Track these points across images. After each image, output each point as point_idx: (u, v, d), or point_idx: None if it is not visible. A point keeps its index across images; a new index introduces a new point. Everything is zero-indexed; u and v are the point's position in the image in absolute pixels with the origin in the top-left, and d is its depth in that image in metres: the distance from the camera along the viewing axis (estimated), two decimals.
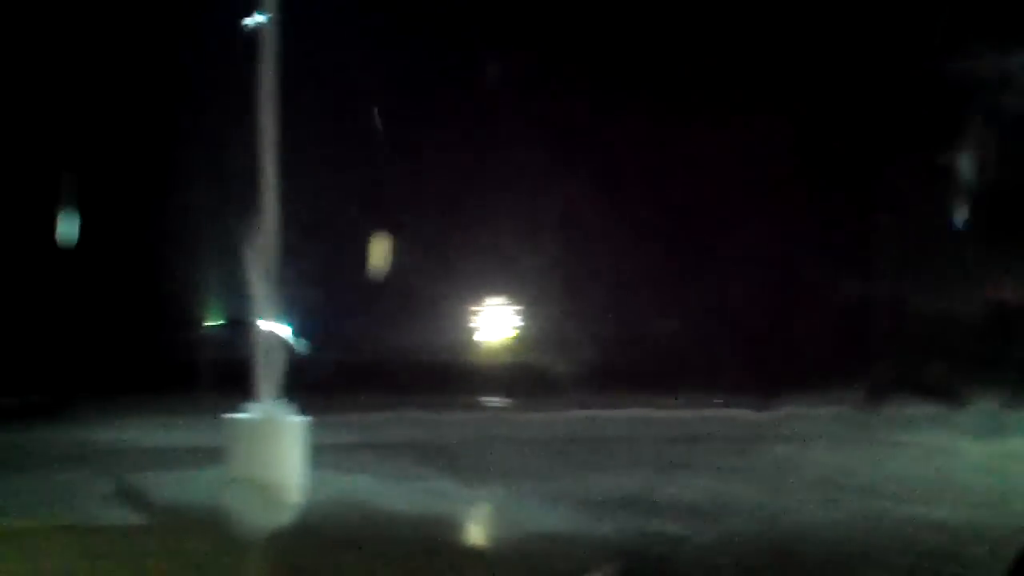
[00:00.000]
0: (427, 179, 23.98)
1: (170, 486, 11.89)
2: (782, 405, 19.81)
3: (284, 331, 12.93)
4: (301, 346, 13.69)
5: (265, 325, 12.42)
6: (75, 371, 20.86)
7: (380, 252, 19.87)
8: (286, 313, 13.63)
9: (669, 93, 24.19)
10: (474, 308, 26.22)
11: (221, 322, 24.00)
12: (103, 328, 22.21)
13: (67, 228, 22.28)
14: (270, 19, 12.38)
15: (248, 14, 12.54)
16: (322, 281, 21.75)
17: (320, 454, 12.79)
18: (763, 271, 24.53)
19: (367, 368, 22.30)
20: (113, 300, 22.51)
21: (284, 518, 11.08)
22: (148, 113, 22.20)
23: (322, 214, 21.38)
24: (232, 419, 12.13)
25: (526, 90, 23.76)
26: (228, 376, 19.08)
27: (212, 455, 12.72)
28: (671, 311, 25.06)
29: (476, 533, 10.63)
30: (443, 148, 23.88)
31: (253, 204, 12.55)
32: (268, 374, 12.24)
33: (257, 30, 12.34)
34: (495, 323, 26.55)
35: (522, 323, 26.28)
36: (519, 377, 24.07)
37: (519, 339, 26.51)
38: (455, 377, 23.62)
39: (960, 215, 22.94)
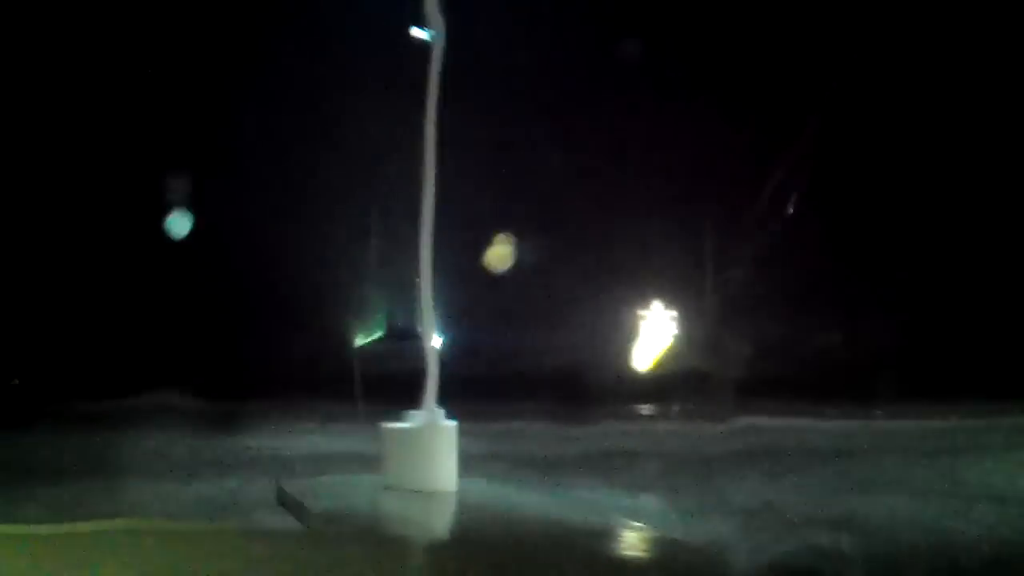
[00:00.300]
0: (584, 190, 24.00)
1: (329, 492, 12.09)
2: (936, 416, 19.29)
3: (439, 341, 13.09)
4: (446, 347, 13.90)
5: (425, 337, 12.59)
6: (248, 379, 21.60)
7: (500, 254, 19.99)
8: (444, 325, 13.80)
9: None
10: (632, 317, 26.10)
11: (380, 334, 24.49)
12: (272, 339, 22.93)
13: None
14: (435, 36, 12.56)
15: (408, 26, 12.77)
16: (479, 292, 21.99)
17: (474, 463, 12.90)
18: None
19: (521, 377, 22.40)
20: (280, 313, 23.21)
21: (439, 525, 11.18)
22: (315, 135, 22.82)
23: (482, 227, 21.62)
24: (390, 427, 12.33)
25: (685, 104, 23.66)
26: (386, 385, 19.49)
27: (370, 461, 12.95)
28: (831, 323, 24.64)
29: (629, 544, 10.52)
30: (603, 158, 23.89)
31: (413, 221, 12.73)
32: (430, 383, 12.40)
33: (424, 45, 12.55)
34: (653, 331, 26.34)
35: (679, 331, 26.05)
36: (675, 386, 23.84)
37: (676, 347, 26.27)
38: (610, 385, 23.54)
39: None
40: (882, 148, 24.35)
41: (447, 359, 13.00)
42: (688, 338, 25.74)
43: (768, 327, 24.15)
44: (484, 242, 22.27)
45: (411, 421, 12.20)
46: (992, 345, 23.21)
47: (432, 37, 12.50)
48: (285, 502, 11.67)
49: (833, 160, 24.00)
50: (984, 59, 23.00)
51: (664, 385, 24.03)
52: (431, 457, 12.04)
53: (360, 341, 24.11)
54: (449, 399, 12.70)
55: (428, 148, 12.60)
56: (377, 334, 24.29)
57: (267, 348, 23.10)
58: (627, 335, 25.85)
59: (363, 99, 20.80)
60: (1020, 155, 23.28)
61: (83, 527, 10.06)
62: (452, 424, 12.18)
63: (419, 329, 12.67)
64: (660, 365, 25.58)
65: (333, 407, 20.42)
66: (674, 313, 25.76)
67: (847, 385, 21.93)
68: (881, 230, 24.61)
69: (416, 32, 12.62)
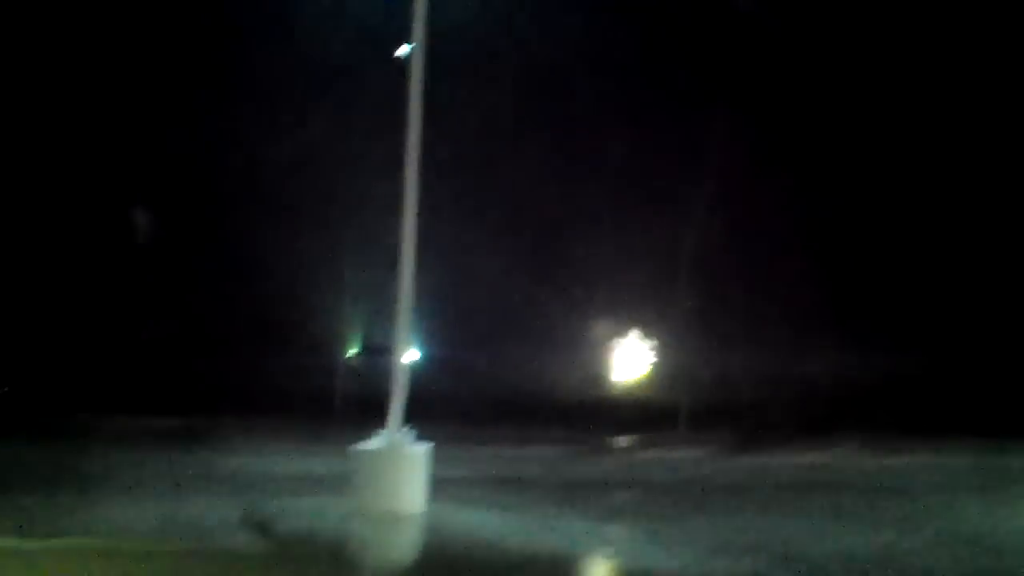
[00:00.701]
0: (560, 215, 23.98)
1: (296, 514, 11.96)
2: (909, 453, 19.30)
3: (415, 357, 12.97)
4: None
5: (398, 355, 12.47)
6: (211, 397, 21.39)
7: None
8: (420, 343, 13.66)
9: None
10: (609, 343, 26.01)
11: (355, 351, 24.35)
12: (239, 355, 22.74)
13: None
14: (413, 49, 12.52)
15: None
16: (457, 312, 21.92)
17: (446, 486, 12.76)
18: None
19: (498, 400, 22.26)
20: (249, 328, 23.06)
21: (407, 550, 11.05)
22: (291, 148, 22.75)
23: (459, 248, 21.51)
24: (359, 449, 12.19)
25: (660, 139, 23.75)
26: (358, 404, 19.34)
27: (339, 483, 12.79)
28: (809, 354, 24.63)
29: (591, 573, 10.42)
30: (577, 185, 23.89)
31: (392, 235, 12.65)
32: (397, 404, 12.27)
33: (405, 64, 12.51)
34: (630, 359, 26.25)
35: (656, 359, 25.95)
36: (651, 415, 23.73)
37: (653, 376, 26.18)
38: (586, 413, 23.42)
39: None
40: (869, 180, 24.41)
41: (423, 378, 12.90)
42: (666, 367, 25.67)
43: (750, 357, 24.09)
44: (466, 264, 22.23)
45: (377, 442, 12.08)
46: (984, 381, 23.16)
47: (410, 51, 12.46)
48: (252, 522, 11.53)
49: (818, 190, 24.02)
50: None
51: (641, 413, 23.94)
52: (398, 480, 11.91)
53: (339, 357, 24.00)
54: (426, 419, 12.60)
55: (410, 164, 12.55)
56: (354, 350, 24.17)
57: (241, 365, 22.91)
58: (606, 363, 25.79)
59: (343, 113, 20.77)
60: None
61: (35, 544, 9.88)
62: (420, 446, 12.05)
63: (388, 347, 12.59)
64: (637, 393, 25.50)
65: (309, 425, 20.28)
66: (652, 342, 25.71)
67: (830, 417, 21.89)
68: (866, 261, 24.64)
69: (400, 51, 12.59)
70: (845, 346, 23.66)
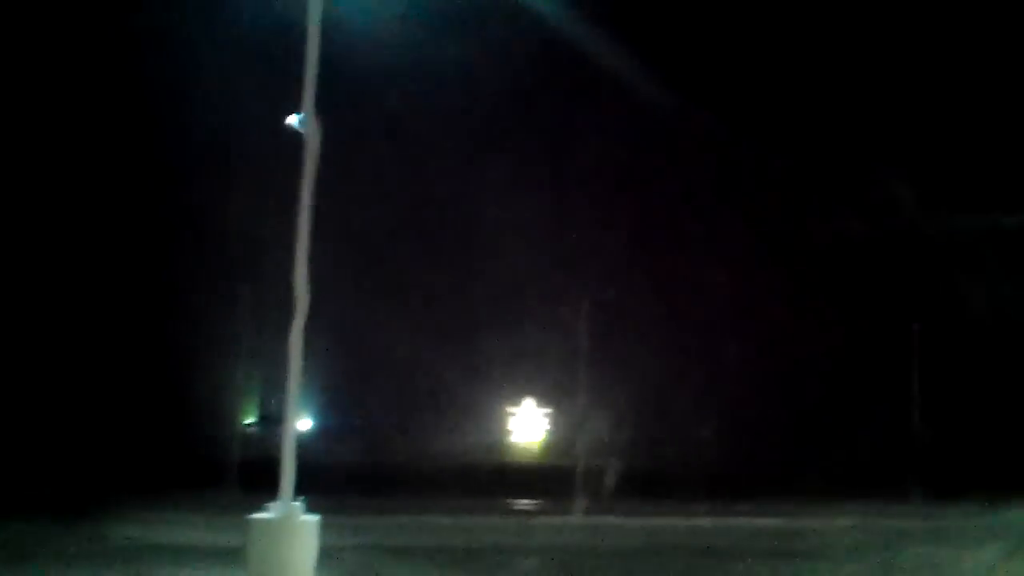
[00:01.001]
0: (455, 279, 24.06)
1: None
2: (812, 515, 19.48)
3: (307, 427, 12.86)
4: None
5: (290, 425, 12.35)
6: (103, 467, 20.91)
7: None
8: (313, 411, 13.54)
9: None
10: (504, 409, 26.09)
11: (249, 421, 24.07)
12: (131, 425, 22.31)
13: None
14: (305, 119, 12.53)
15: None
16: (351, 378, 21.83)
17: (338, 556, 12.60)
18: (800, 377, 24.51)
19: (394, 467, 22.12)
20: (141, 398, 22.66)
21: None
22: (188, 217, 22.56)
23: (353, 311, 21.45)
24: (250, 520, 12.01)
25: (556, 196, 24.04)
26: (252, 474, 19.05)
27: (230, 555, 12.59)
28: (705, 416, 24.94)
29: None
30: (477, 250, 24.03)
31: (285, 303, 12.59)
32: (288, 473, 12.12)
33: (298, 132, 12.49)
34: (525, 425, 26.34)
35: (551, 426, 26.11)
36: (548, 481, 23.75)
37: (549, 441, 26.29)
38: (483, 479, 23.35)
39: None
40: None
41: (320, 446, 12.77)
42: (560, 435, 25.83)
43: (639, 424, 24.37)
44: (360, 337, 22.18)
45: (267, 513, 11.92)
46: (867, 446, 23.65)
47: (302, 124, 12.46)
48: None
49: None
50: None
51: (536, 480, 23.98)
52: (288, 550, 11.74)
53: (232, 426, 23.69)
54: (318, 488, 12.45)
55: (302, 235, 12.53)
56: (248, 419, 23.90)
57: (138, 435, 22.50)
58: (501, 431, 25.86)
59: (236, 177, 20.72)
60: None
61: None
62: (309, 518, 11.91)
63: (280, 416, 12.47)
64: (532, 459, 25.59)
65: (203, 495, 19.89)
66: (547, 410, 25.87)
67: (717, 483, 22.15)
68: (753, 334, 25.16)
69: (291, 120, 12.58)
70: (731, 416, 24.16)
